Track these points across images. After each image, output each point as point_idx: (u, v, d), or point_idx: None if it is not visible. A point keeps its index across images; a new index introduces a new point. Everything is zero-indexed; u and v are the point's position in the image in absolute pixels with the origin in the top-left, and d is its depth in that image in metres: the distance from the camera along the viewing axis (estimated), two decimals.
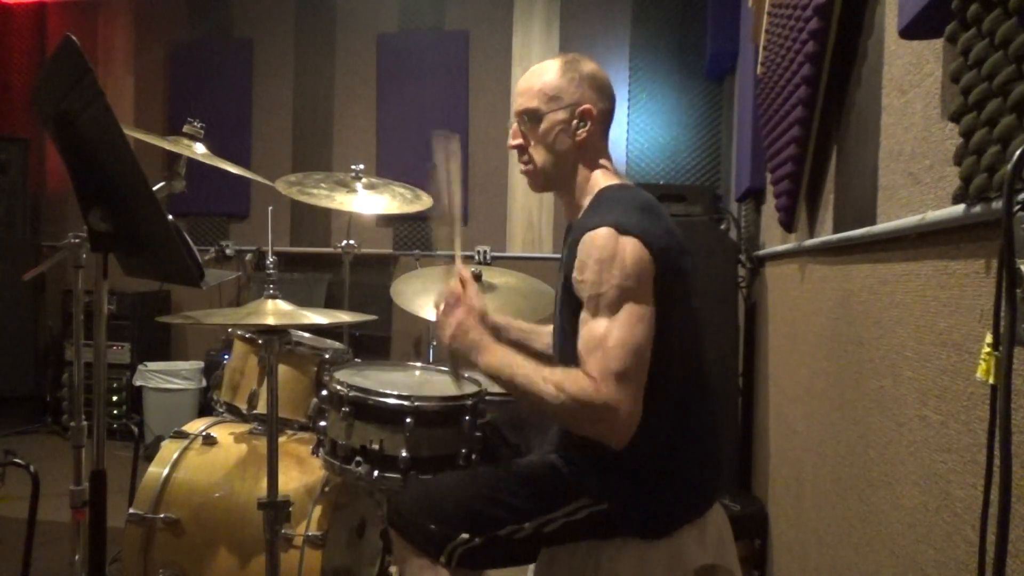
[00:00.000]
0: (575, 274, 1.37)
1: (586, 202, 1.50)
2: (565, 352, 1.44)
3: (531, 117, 1.51)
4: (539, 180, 1.56)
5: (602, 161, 1.54)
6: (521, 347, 1.75)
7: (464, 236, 4.67)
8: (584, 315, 1.35)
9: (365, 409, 1.68)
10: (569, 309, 1.42)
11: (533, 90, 1.51)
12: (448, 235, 1.68)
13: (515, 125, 1.55)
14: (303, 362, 2.12)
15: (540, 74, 1.53)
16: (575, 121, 1.49)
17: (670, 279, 1.36)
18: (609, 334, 1.29)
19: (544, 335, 1.78)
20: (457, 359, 1.54)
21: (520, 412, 1.85)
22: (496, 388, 1.90)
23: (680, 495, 1.44)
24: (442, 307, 1.52)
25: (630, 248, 1.32)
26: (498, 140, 4.48)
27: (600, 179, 1.52)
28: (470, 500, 1.44)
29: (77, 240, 1.67)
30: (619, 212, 1.38)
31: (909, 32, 1.09)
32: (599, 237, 1.34)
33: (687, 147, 4.34)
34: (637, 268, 1.31)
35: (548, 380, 1.33)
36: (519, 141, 1.54)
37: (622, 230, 1.33)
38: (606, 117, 1.54)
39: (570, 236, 1.52)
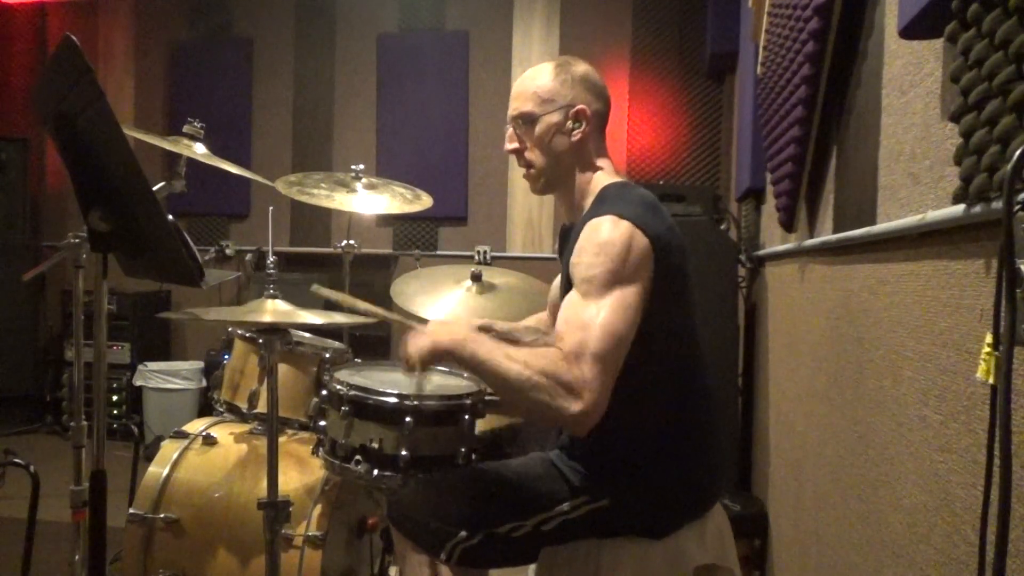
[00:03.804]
0: (572, 258, 1.38)
1: (588, 202, 1.51)
2: None
3: (526, 120, 1.52)
4: (539, 183, 1.57)
5: (600, 161, 1.55)
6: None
7: (464, 236, 4.71)
8: (572, 295, 1.34)
9: (365, 408, 1.68)
10: None
11: (527, 94, 1.53)
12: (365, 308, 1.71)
13: (511, 130, 1.56)
14: (303, 362, 2.12)
15: (533, 78, 1.54)
16: (570, 122, 1.50)
17: (670, 275, 1.37)
18: (596, 316, 1.28)
19: (525, 333, 1.79)
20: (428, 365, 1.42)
21: (515, 421, 1.85)
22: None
23: (681, 494, 1.44)
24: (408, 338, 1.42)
25: (629, 234, 1.33)
26: (498, 140, 4.44)
27: (601, 178, 1.53)
28: (470, 498, 1.44)
29: (77, 240, 1.67)
30: (622, 205, 1.39)
31: (909, 32, 1.09)
32: (600, 223, 1.35)
33: (687, 147, 4.34)
34: (631, 254, 1.32)
35: (513, 358, 1.27)
36: (515, 145, 1.56)
37: (622, 217, 1.34)
38: (601, 117, 1.55)
39: (571, 236, 1.52)
